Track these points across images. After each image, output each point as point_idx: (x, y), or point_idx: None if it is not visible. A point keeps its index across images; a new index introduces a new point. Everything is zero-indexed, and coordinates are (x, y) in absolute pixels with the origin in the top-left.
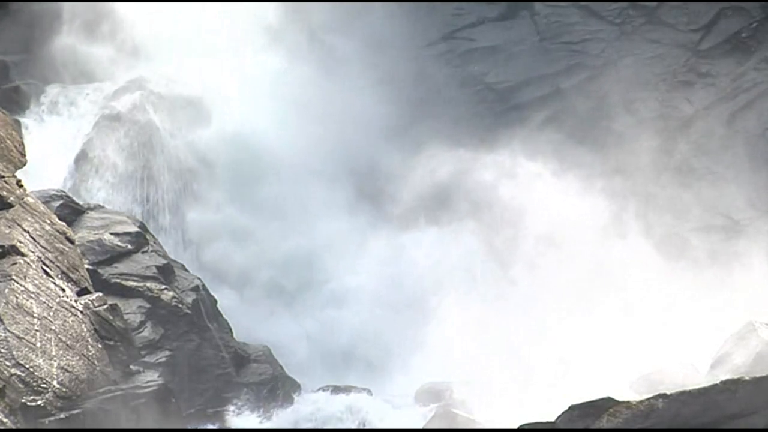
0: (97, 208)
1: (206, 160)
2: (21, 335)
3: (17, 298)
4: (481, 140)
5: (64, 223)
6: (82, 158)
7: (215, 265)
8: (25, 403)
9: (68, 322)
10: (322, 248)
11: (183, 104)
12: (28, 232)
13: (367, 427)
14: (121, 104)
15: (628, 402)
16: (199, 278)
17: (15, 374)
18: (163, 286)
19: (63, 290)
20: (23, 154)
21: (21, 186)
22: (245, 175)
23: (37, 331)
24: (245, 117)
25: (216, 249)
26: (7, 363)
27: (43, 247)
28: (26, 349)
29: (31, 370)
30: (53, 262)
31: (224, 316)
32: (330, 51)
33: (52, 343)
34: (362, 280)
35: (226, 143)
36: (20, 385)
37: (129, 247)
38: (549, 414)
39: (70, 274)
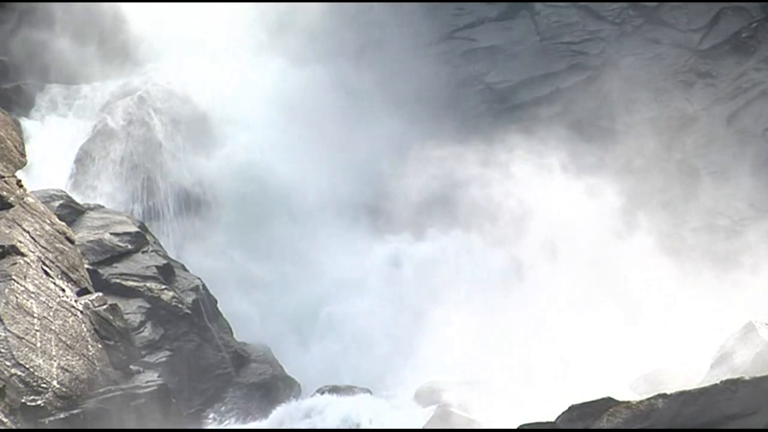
0: (97, 208)
1: (212, 192)
2: (21, 335)
3: (17, 298)
4: (481, 140)
5: (64, 223)
6: (80, 166)
7: None
8: (25, 403)
9: (68, 322)
10: (336, 294)
11: (185, 123)
12: (28, 232)
13: (367, 427)
14: (116, 120)
15: (628, 402)
16: (199, 278)
17: (15, 374)
18: (163, 286)
19: (63, 290)
20: (23, 154)
21: (21, 186)
22: (252, 212)
23: (37, 331)
24: (249, 138)
25: (219, 299)
26: (7, 363)
27: (43, 247)
28: (26, 349)
29: (31, 370)
30: (53, 262)
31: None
32: (330, 52)
33: (52, 343)
34: (365, 287)
35: (232, 175)
36: (20, 385)
37: (129, 247)
38: (549, 414)
39: (70, 274)
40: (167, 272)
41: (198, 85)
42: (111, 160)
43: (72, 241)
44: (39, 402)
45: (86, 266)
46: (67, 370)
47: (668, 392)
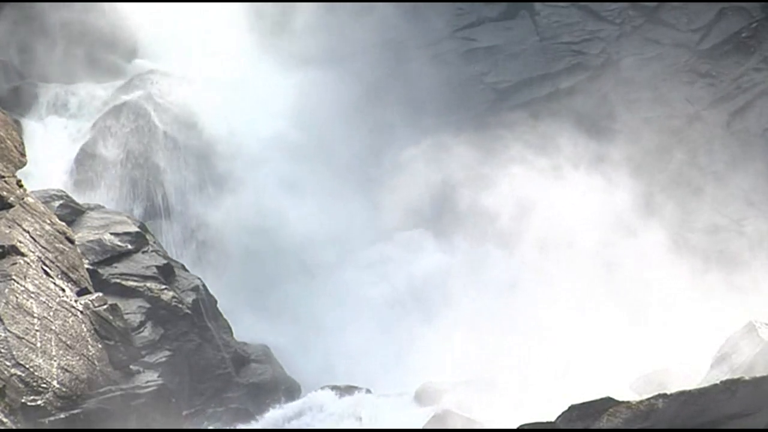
0: (97, 208)
1: (218, 237)
2: (21, 335)
3: (17, 298)
4: (481, 140)
5: (64, 223)
6: (79, 166)
7: None
8: (25, 403)
9: (68, 322)
10: (342, 327)
11: (189, 151)
12: (28, 232)
13: (367, 427)
14: (110, 149)
15: (628, 402)
16: (199, 278)
17: (15, 374)
18: (163, 286)
19: (63, 290)
20: (23, 154)
21: (21, 186)
22: (262, 268)
23: (37, 331)
24: (258, 179)
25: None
26: (7, 363)
27: (43, 247)
28: (26, 349)
29: (31, 370)
30: (53, 262)
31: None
32: (330, 52)
33: (52, 343)
34: (367, 291)
35: (240, 226)
36: (20, 385)
37: (129, 247)
38: (549, 414)
39: (70, 274)
40: (167, 272)
41: (201, 102)
42: (109, 185)
43: (72, 241)
44: (39, 402)
45: (86, 266)
46: (67, 370)
47: (668, 392)
